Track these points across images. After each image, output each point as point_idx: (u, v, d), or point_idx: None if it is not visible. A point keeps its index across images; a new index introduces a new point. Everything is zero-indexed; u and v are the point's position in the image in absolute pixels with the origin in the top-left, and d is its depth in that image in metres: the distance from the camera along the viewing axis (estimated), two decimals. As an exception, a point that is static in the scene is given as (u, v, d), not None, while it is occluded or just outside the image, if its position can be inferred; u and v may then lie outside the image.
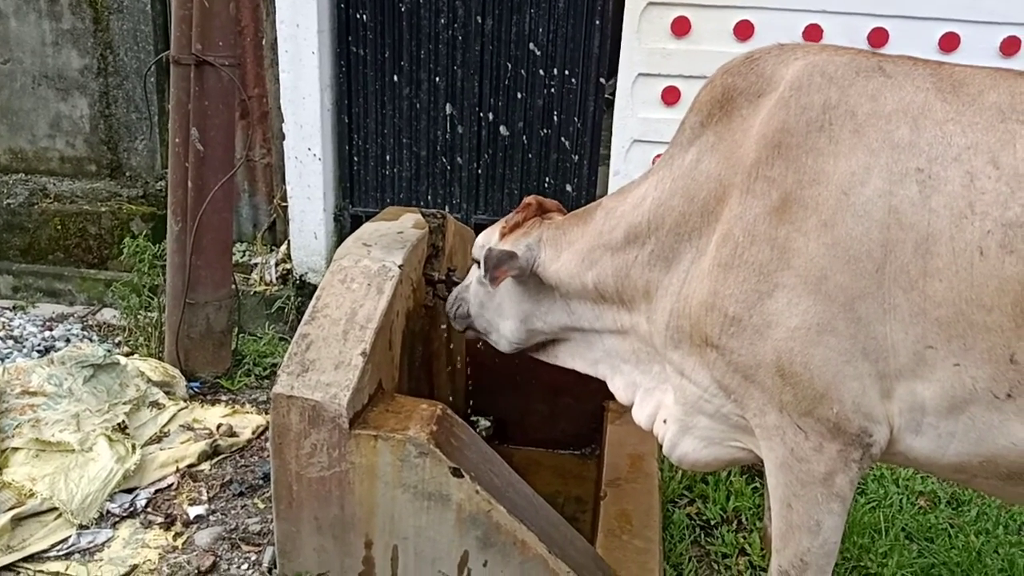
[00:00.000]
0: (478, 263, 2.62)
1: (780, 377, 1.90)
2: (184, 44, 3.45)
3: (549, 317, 2.55)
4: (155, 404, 3.50)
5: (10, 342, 4.24)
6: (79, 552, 2.75)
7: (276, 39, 4.52)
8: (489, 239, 2.60)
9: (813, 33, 4.09)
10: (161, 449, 3.24)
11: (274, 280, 4.93)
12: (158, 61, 4.61)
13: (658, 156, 4.17)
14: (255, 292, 4.78)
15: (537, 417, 3.66)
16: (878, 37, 4.03)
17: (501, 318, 2.65)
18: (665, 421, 2.34)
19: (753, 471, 3.34)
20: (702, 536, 3.08)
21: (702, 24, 4.16)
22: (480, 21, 4.49)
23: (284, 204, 4.95)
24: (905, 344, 1.79)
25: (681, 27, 4.17)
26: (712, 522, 3.13)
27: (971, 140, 1.75)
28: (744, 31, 4.15)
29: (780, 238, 1.86)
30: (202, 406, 3.63)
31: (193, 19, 3.39)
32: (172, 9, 3.47)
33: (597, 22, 4.42)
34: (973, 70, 1.89)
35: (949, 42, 4.00)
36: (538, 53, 4.54)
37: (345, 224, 4.84)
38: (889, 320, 1.80)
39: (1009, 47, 3.97)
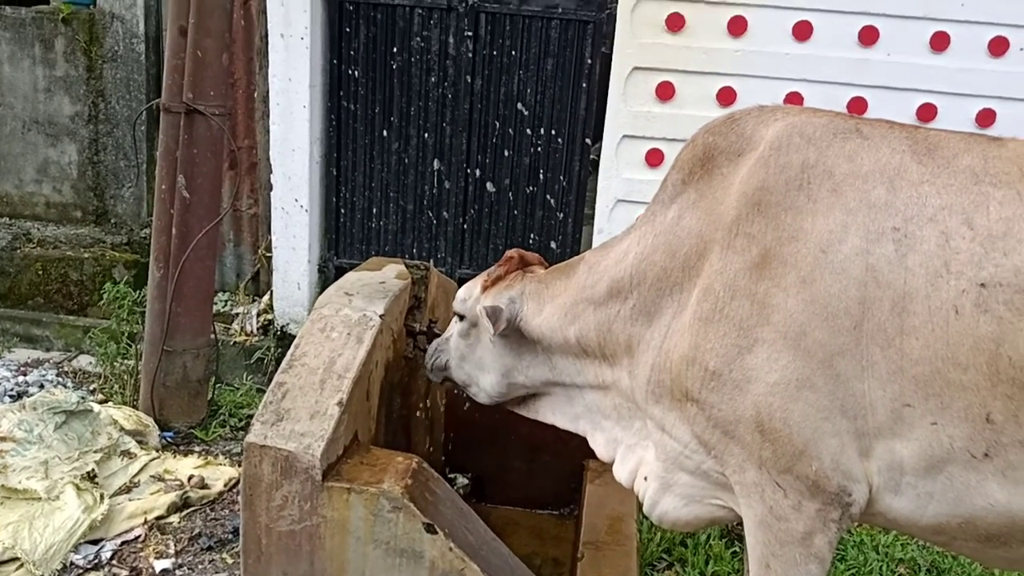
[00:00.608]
0: (460, 316, 2.62)
1: (759, 433, 1.90)
2: (175, 92, 3.49)
3: (530, 371, 2.53)
4: (127, 453, 3.43)
5: (-18, 387, 4.18)
6: (38, 605, 2.67)
7: (268, 92, 4.58)
8: (471, 292, 2.60)
9: (794, 100, 4.18)
10: (130, 499, 3.17)
11: (255, 331, 4.90)
12: (148, 109, 4.65)
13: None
14: (235, 342, 4.74)
15: (516, 475, 3.61)
16: (857, 106, 4.13)
17: (481, 371, 2.63)
18: (646, 478, 2.32)
19: (732, 535, 3.29)
20: (680, 600, 3.02)
21: (686, 89, 4.25)
22: (470, 80, 4.57)
23: (268, 254, 4.95)
24: (883, 402, 1.80)
25: (665, 92, 4.26)
26: (691, 586, 3.07)
27: (946, 201, 1.79)
28: (727, 97, 4.24)
29: (760, 293, 1.88)
30: (174, 456, 3.57)
31: (186, 68, 3.44)
32: (165, 58, 3.51)
33: (584, 84, 4.52)
34: (947, 134, 1.94)
35: (926, 112, 4.10)
36: (526, 113, 4.62)
37: (329, 275, 4.83)
38: (867, 377, 1.80)
39: (985, 119, 4.07)
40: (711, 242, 2.00)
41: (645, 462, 2.33)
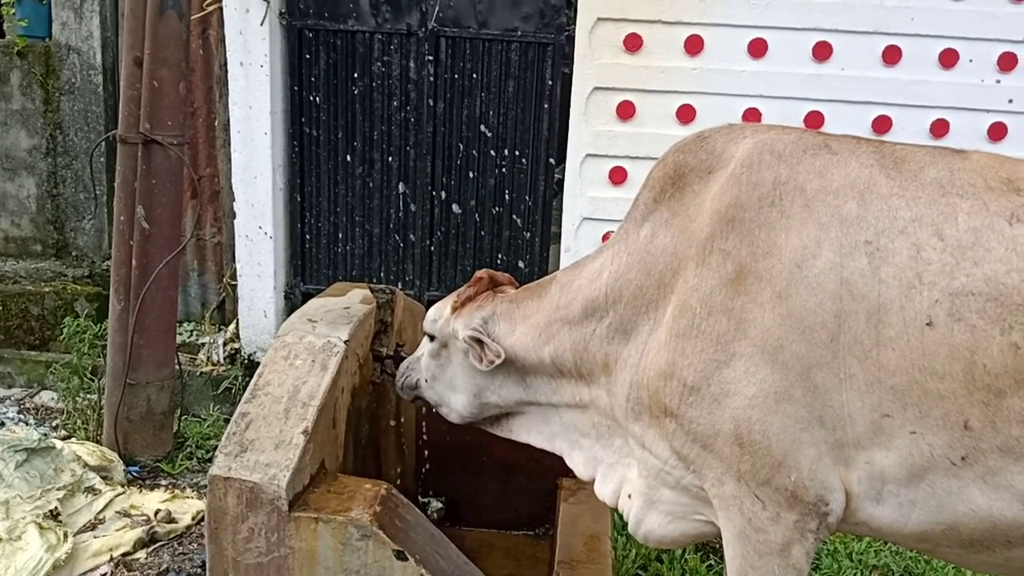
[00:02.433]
0: (431, 336, 2.60)
1: (738, 445, 1.92)
2: (132, 123, 3.46)
3: (503, 391, 2.50)
4: (91, 489, 3.36)
5: (-60, 426, 4.07)
6: (-1, 651, 2.59)
7: (229, 120, 4.56)
8: (441, 313, 2.58)
9: (752, 116, 4.25)
10: (95, 537, 3.10)
11: (222, 360, 4.84)
12: (106, 140, 4.60)
13: (608, 233, 4.26)
14: (201, 372, 4.68)
15: (489, 496, 3.58)
16: (814, 120, 4.20)
17: (453, 392, 2.59)
18: (630, 496, 2.31)
19: (707, 549, 3.29)
20: (657, 617, 3.01)
21: (646, 108, 4.30)
22: (432, 104, 4.59)
23: (233, 283, 4.90)
24: (862, 413, 1.82)
25: (626, 111, 4.31)
26: (668, 602, 3.06)
27: (916, 214, 1.82)
28: (686, 115, 4.29)
29: (736, 308, 1.90)
30: (140, 491, 3.50)
31: (142, 99, 3.42)
32: (121, 88, 3.48)
33: (546, 105, 4.55)
34: (912, 148, 1.98)
35: (882, 124, 4.18)
36: (489, 135, 4.64)
37: (296, 302, 4.79)
38: (845, 389, 1.82)
39: (939, 129, 4.16)
40: (685, 259, 2.02)
41: (628, 480, 2.32)
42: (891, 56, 4.10)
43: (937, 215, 1.81)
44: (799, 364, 1.83)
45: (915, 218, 1.81)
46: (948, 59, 4.08)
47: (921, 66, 4.11)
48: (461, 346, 2.44)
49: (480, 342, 2.36)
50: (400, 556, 2.21)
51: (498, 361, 2.32)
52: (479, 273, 2.61)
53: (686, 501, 2.16)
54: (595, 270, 2.26)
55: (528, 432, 2.57)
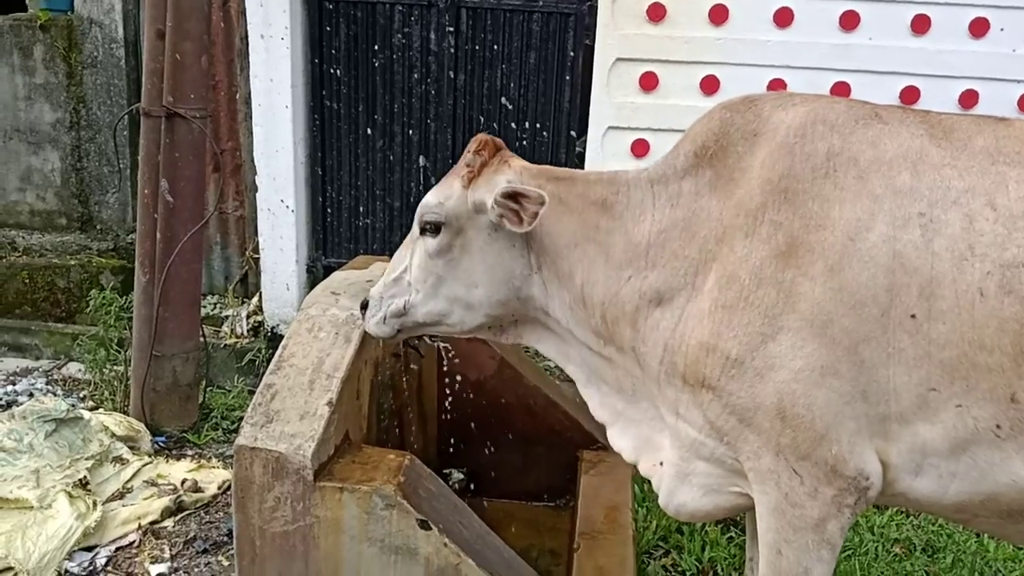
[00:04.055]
0: (433, 228, 2.20)
1: (780, 419, 1.89)
2: (155, 96, 3.47)
3: (531, 284, 2.22)
4: (119, 459, 3.42)
5: (-30, 397, 4.15)
6: (33, 614, 2.66)
7: (250, 93, 4.56)
8: (448, 193, 2.20)
9: (777, 87, 4.19)
10: (123, 505, 3.16)
11: (245, 332, 4.88)
12: (129, 113, 4.62)
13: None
14: (226, 345, 4.73)
15: (510, 468, 3.61)
16: (840, 90, 4.14)
17: (470, 290, 2.23)
18: (661, 464, 2.23)
19: (728, 520, 3.30)
20: (677, 588, 3.03)
21: (669, 79, 4.26)
22: (452, 76, 4.56)
23: (256, 256, 4.93)
24: (908, 387, 1.81)
25: (649, 82, 4.26)
26: (688, 573, 3.08)
27: (968, 184, 1.80)
28: (710, 86, 4.24)
29: (787, 281, 1.86)
30: (167, 461, 3.55)
31: (165, 72, 3.42)
32: (143, 62, 3.49)
33: (567, 77, 4.51)
34: (957, 117, 1.95)
35: (910, 95, 4.11)
36: (510, 107, 4.61)
37: (318, 275, 4.82)
38: (893, 364, 1.81)
39: (968, 100, 4.08)
40: (733, 228, 1.96)
41: (661, 448, 2.24)
42: (920, 25, 4.03)
43: (989, 185, 1.79)
44: (847, 339, 1.81)
45: (967, 188, 1.79)
46: (978, 28, 4.00)
47: (950, 35, 4.03)
48: (487, 221, 2.15)
49: (516, 194, 2.05)
50: (424, 525, 2.24)
51: (542, 209, 2.03)
52: (481, 137, 2.24)
53: (720, 473, 2.11)
54: (638, 205, 2.11)
55: (540, 341, 2.35)
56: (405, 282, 2.30)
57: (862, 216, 1.83)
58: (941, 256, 1.77)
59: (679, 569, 3.10)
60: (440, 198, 2.20)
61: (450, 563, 2.25)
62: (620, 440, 2.31)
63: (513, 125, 4.62)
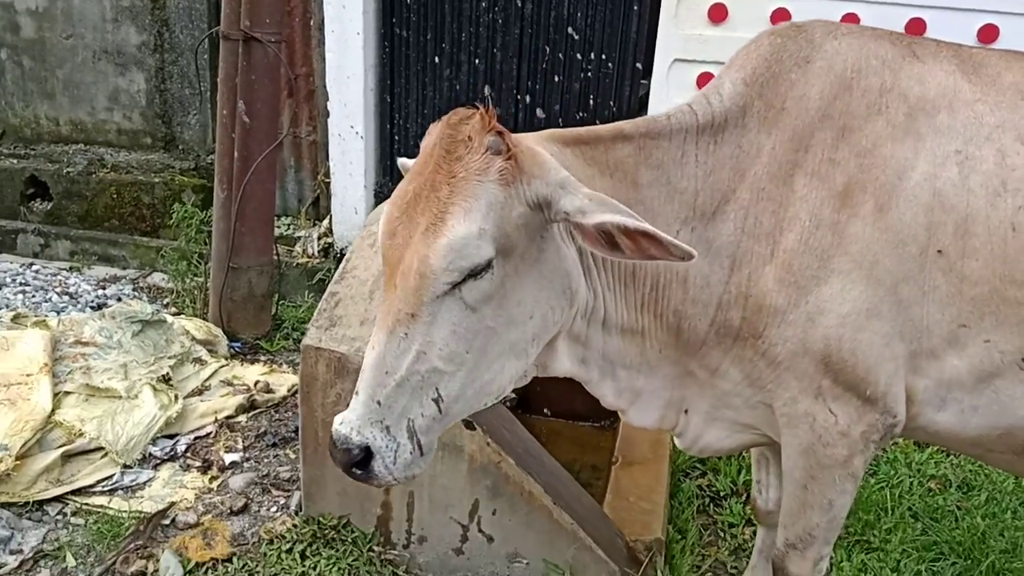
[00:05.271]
0: (476, 271, 1.58)
1: (824, 364, 1.86)
2: (233, 20, 3.64)
3: (578, 288, 1.79)
4: (198, 360, 3.71)
5: (65, 297, 4.50)
6: (122, 489, 2.97)
7: (324, 19, 4.69)
8: (480, 208, 1.56)
9: (851, 21, 4.11)
10: (202, 401, 3.45)
11: (316, 253, 5.12)
12: (209, 36, 4.81)
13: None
14: (298, 264, 4.98)
15: (557, 391, 3.77)
16: (916, 27, 4.04)
17: (525, 322, 1.71)
18: (686, 412, 2.12)
19: (766, 447, 3.41)
20: (711, 507, 3.17)
21: (739, 11, 4.21)
22: (520, 5, 4.60)
23: (327, 180, 5.13)
24: (940, 324, 1.82)
25: (718, 14, 4.23)
26: (722, 494, 3.22)
27: (999, 119, 1.82)
28: (781, 18, 4.18)
29: (841, 223, 1.82)
30: (242, 364, 3.83)
31: (243, -4, 3.58)
32: (223, -14, 3.65)
33: (635, 7, 4.49)
34: (986, 52, 1.95)
35: (988, 33, 3.99)
36: (576, 37, 4.63)
37: (385, 199, 4.99)
38: (927, 302, 1.82)
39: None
40: (790, 164, 1.85)
41: (684, 400, 2.11)
42: (1003, -41, 3.88)
43: (1019, 120, 1.80)
44: (889, 279, 1.80)
45: (999, 124, 1.81)
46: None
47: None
48: (541, 220, 1.64)
49: (646, 236, 1.57)
50: (469, 426, 2.42)
51: (678, 263, 1.68)
52: (463, 112, 1.63)
53: (748, 416, 2.08)
54: (678, 148, 1.86)
55: (558, 359, 1.93)
56: (421, 374, 1.61)
57: (908, 155, 1.82)
58: (976, 192, 1.79)
59: (713, 489, 3.24)
60: (478, 222, 1.55)
61: (492, 460, 2.44)
62: (643, 417, 2.11)
63: (578, 56, 4.64)
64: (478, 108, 1.59)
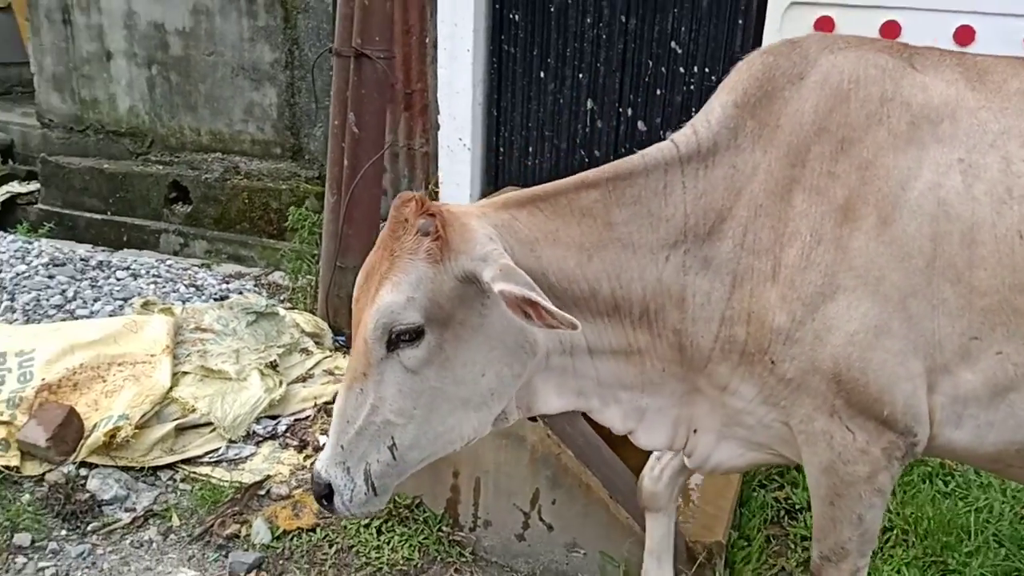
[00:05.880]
0: (405, 337, 1.71)
1: (836, 383, 1.83)
2: (346, 38, 3.94)
3: (536, 341, 1.84)
4: (304, 350, 4.01)
5: (192, 289, 4.95)
6: (226, 461, 3.27)
7: (437, 38, 4.96)
8: (410, 282, 1.71)
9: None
10: (304, 387, 3.73)
11: (423, 257, 5.38)
12: (324, 54, 5.18)
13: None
14: (403, 266, 5.25)
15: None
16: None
17: (476, 380, 1.81)
18: (695, 431, 2.08)
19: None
20: (785, 518, 3.15)
21: (846, 24, 4.15)
22: (624, 20, 4.70)
23: (436, 190, 5.39)
24: (951, 338, 1.78)
25: (825, 26, 4.18)
26: (797, 507, 3.18)
27: (1003, 126, 1.78)
28: (891, 31, 4.09)
29: (843, 237, 1.78)
30: (344, 356, 4.10)
31: (354, 16, 3.86)
32: (338, 7, 3.95)
33: (740, 21, 4.51)
34: (993, 59, 1.91)
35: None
36: (679, 51, 4.68)
37: (487, 209, 5.20)
38: (937, 315, 1.77)
39: None
40: (787, 179, 1.83)
41: (694, 417, 2.07)
42: None
43: None
44: (897, 294, 1.75)
45: (1003, 131, 1.78)
46: None
47: None
48: (475, 291, 1.74)
49: (533, 305, 1.62)
50: (531, 418, 2.53)
51: (570, 331, 1.63)
52: (407, 195, 1.78)
53: (762, 435, 2.03)
54: (659, 181, 1.85)
55: (547, 395, 1.96)
56: (376, 425, 1.77)
57: (912, 165, 1.77)
58: (981, 201, 1.75)
59: (790, 502, 3.21)
60: (406, 293, 1.69)
61: (552, 452, 2.55)
62: (651, 437, 2.08)
63: (681, 69, 4.69)
64: (416, 194, 1.77)
